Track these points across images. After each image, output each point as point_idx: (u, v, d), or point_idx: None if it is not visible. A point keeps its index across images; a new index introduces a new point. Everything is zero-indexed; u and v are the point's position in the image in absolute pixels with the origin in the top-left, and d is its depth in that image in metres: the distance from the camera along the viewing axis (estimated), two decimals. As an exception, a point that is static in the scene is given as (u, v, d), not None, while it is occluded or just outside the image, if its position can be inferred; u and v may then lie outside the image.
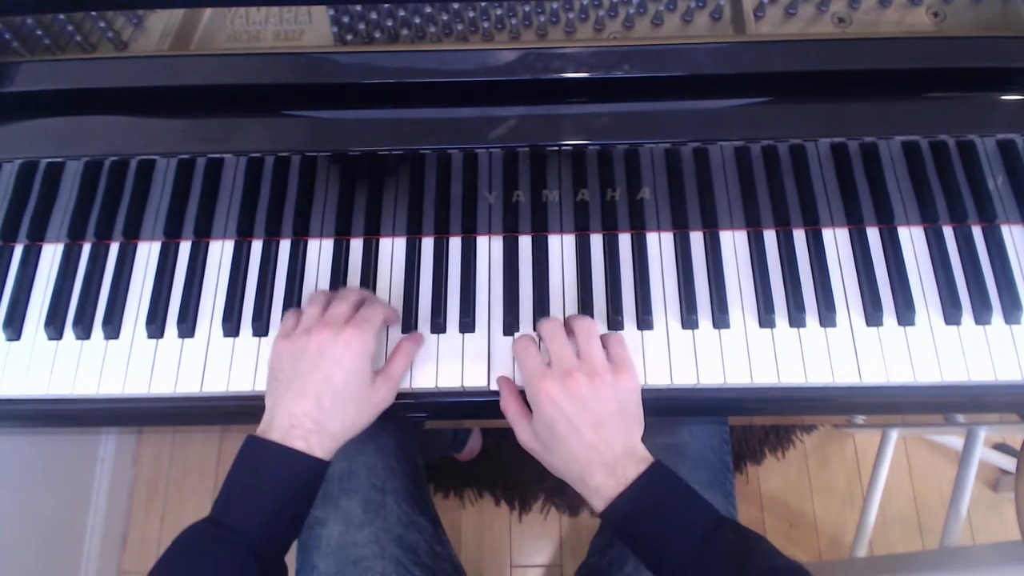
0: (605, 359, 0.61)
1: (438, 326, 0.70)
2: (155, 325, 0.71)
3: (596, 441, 0.58)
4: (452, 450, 1.41)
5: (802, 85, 0.62)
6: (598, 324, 0.69)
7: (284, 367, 0.61)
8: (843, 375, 0.67)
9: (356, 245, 0.74)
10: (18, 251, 0.75)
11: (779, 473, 1.47)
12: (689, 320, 0.69)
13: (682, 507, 0.57)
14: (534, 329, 0.70)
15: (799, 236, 0.73)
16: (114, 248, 0.75)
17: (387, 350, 0.68)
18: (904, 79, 0.62)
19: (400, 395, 0.67)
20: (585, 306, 0.70)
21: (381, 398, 0.63)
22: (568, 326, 0.65)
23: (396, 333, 0.70)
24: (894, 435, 1.32)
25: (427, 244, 0.74)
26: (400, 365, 0.66)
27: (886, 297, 0.69)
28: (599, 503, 0.58)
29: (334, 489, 0.76)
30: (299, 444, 0.58)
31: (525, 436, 0.62)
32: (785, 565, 0.55)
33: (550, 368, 0.60)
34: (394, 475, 0.80)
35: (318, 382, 0.59)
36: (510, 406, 0.64)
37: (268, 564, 0.56)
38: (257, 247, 0.75)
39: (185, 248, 0.75)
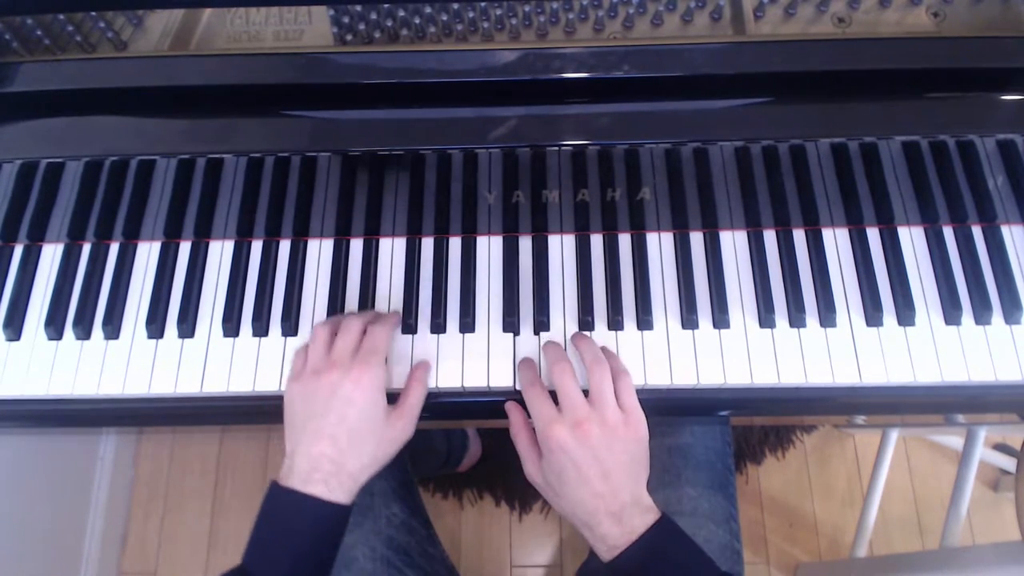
0: (617, 407, 0.60)
1: (438, 326, 0.70)
2: (155, 325, 0.71)
3: (604, 490, 0.58)
4: (446, 468, 1.40)
5: (802, 85, 0.62)
6: (599, 327, 0.70)
7: (298, 410, 0.61)
8: (843, 375, 0.67)
9: (356, 245, 0.74)
10: (18, 251, 0.75)
11: (779, 473, 1.47)
12: (689, 320, 0.69)
13: (689, 563, 0.58)
14: (535, 332, 0.70)
15: (799, 236, 0.73)
16: (114, 248, 0.75)
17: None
18: (904, 79, 0.62)
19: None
20: (585, 306, 0.70)
21: (399, 433, 0.63)
22: (576, 347, 0.65)
23: (396, 334, 0.70)
24: (894, 435, 1.32)
25: (427, 244, 0.74)
26: (415, 397, 0.65)
27: (886, 297, 0.69)
28: (604, 550, 0.58)
29: None
30: (319, 488, 0.57)
31: (534, 473, 0.63)
32: None
33: (561, 414, 0.60)
34: (381, 477, 0.80)
35: (332, 423, 0.59)
36: (521, 438, 0.64)
37: None
38: (257, 247, 0.75)
39: (185, 248, 0.75)
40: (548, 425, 0.59)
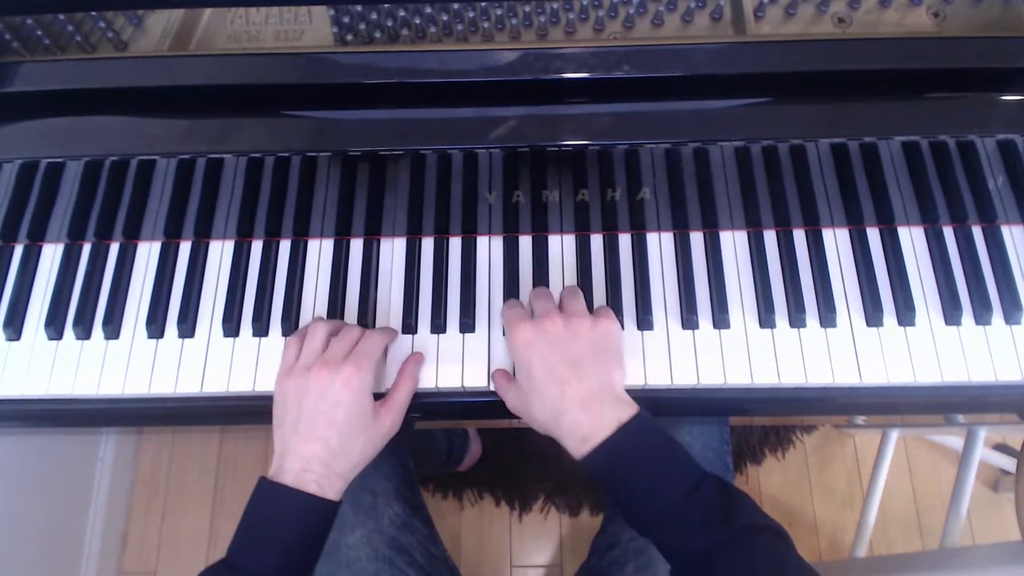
0: (586, 311, 0.62)
1: (438, 326, 0.70)
2: (155, 325, 0.71)
3: (569, 376, 0.58)
4: (447, 467, 1.40)
5: (802, 85, 0.62)
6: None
7: (289, 409, 0.61)
8: (843, 375, 0.67)
9: (356, 245, 0.74)
10: (18, 251, 0.75)
11: (779, 473, 1.47)
12: (689, 320, 0.69)
13: (667, 459, 0.56)
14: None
15: (799, 236, 0.73)
16: (114, 248, 0.75)
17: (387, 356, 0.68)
18: (904, 79, 0.62)
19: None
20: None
21: (387, 429, 0.63)
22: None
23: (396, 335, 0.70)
24: (894, 435, 1.32)
25: (427, 244, 0.74)
26: (403, 393, 0.65)
27: (886, 297, 0.69)
28: (574, 445, 0.57)
29: None
30: (312, 487, 0.58)
31: (512, 397, 0.63)
32: (768, 526, 0.55)
33: (532, 317, 0.61)
34: (384, 476, 0.80)
35: (322, 425, 0.59)
36: (500, 378, 0.65)
37: None
38: (257, 247, 0.75)
39: (185, 248, 0.75)
40: (514, 324, 0.61)
